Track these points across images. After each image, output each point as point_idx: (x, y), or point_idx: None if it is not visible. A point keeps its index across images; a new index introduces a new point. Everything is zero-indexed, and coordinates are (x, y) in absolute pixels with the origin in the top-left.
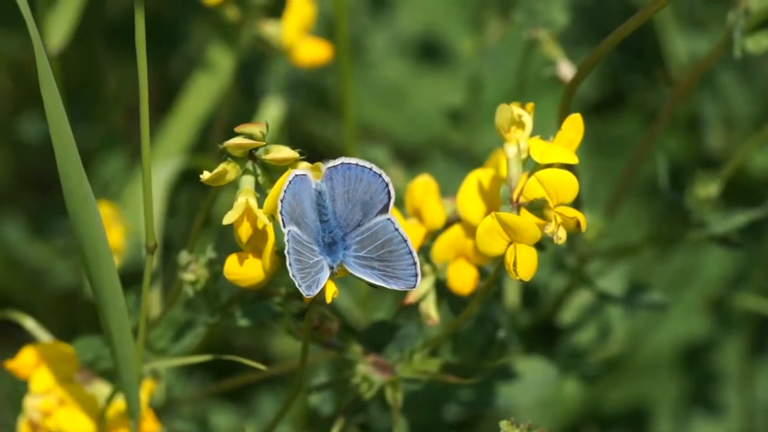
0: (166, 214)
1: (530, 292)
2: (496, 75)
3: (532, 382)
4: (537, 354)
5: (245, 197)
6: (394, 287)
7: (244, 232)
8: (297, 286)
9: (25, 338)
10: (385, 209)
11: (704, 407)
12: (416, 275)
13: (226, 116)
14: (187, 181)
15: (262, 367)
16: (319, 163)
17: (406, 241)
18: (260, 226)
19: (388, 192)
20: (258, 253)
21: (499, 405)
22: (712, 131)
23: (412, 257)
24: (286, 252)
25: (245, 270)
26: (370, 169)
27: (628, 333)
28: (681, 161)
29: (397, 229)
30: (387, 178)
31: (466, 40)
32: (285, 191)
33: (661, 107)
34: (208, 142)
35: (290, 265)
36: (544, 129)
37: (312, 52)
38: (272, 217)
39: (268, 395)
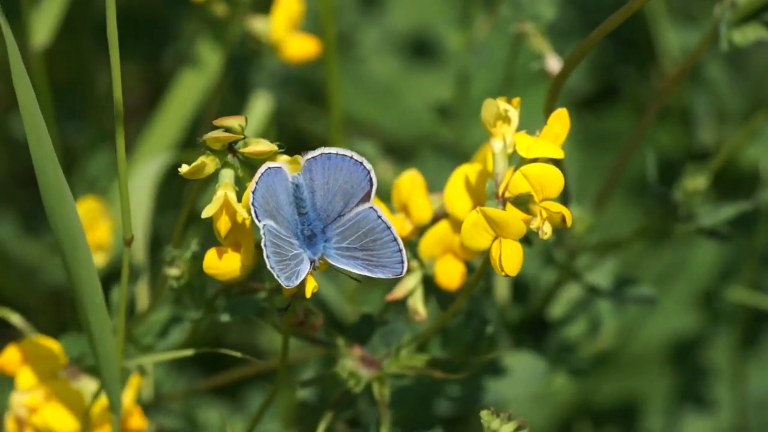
0: (154, 210)
1: (520, 286)
2: (484, 70)
3: (522, 377)
4: (526, 348)
5: (224, 191)
6: (380, 276)
7: (223, 225)
8: (276, 277)
9: (14, 335)
10: (366, 197)
11: (695, 402)
12: (402, 262)
13: (215, 112)
14: (178, 176)
15: (249, 357)
16: (298, 156)
17: (390, 228)
18: (239, 219)
19: (370, 179)
20: (237, 247)
21: (489, 400)
22: (704, 125)
23: (397, 244)
24: (263, 245)
25: (224, 264)
26: (351, 157)
27: (618, 327)
28: (673, 155)
29: (380, 217)
30: (368, 165)
31: (455, 35)
32: (257, 183)
33: (652, 100)
34: (197, 137)
35: (268, 257)
36: (534, 122)
37: (300, 47)
38: None
39: (258, 391)
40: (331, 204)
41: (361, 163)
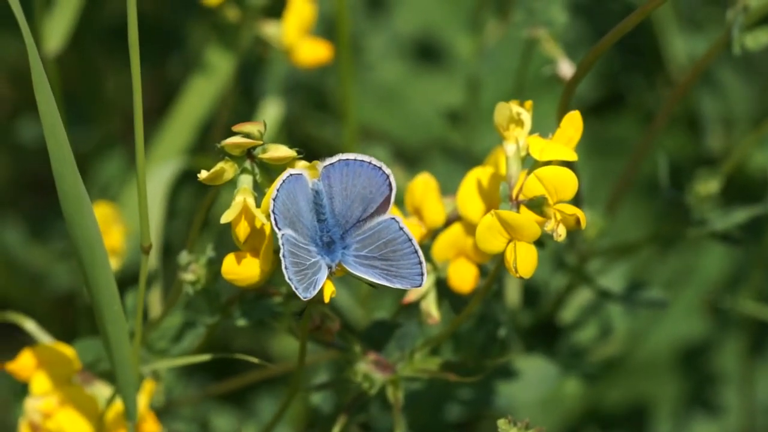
0: (166, 216)
1: (531, 290)
2: (494, 75)
3: (533, 381)
4: (538, 353)
5: (243, 196)
6: (399, 286)
7: (242, 231)
8: (294, 289)
9: (25, 340)
10: (386, 202)
11: (704, 407)
12: (422, 274)
13: (225, 117)
14: (187, 182)
15: (263, 363)
16: (317, 162)
17: (411, 240)
18: (258, 225)
19: (389, 184)
20: (256, 253)
21: (500, 404)
22: (711, 130)
23: (418, 256)
24: (281, 255)
25: (243, 269)
26: (369, 162)
27: (628, 332)
28: (680, 160)
29: (401, 228)
30: (387, 170)
31: (465, 41)
32: (278, 190)
33: (659, 107)
34: (207, 143)
35: (286, 268)
36: (543, 130)
37: (312, 52)
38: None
39: (268, 397)
40: (350, 210)
41: (380, 168)
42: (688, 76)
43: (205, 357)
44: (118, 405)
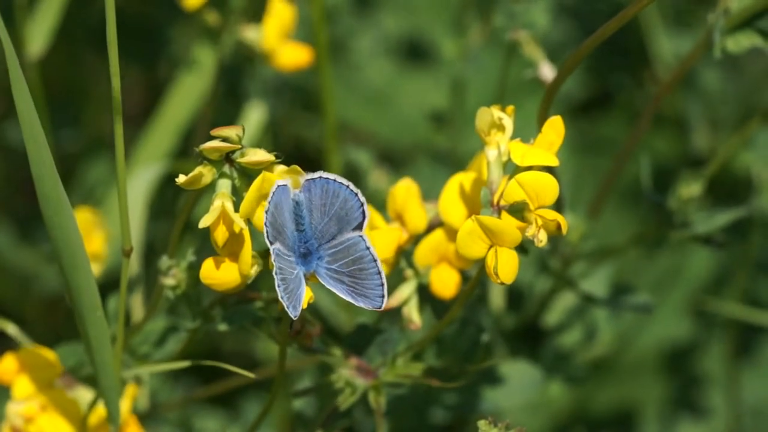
0: (149, 219)
1: (514, 294)
2: (479, 77)
3: (518, 385)
4: (522, 357)
5: (221, 200)
6: (362, 305)
7: (220, 235)
8: (285, 308)
9: (8, 344)
10: (359, 227)
11: (690, 409)
12: (383, 296)
13: (209, 120)
14: (171, 185)
15: (245, 373)
16: (296, 166)
17: (376, 261)
18: (236, 230)
19: (363, 212)
20: (234, 257)
21: (485, 408)
22: (698, 131)
23: (381, 278)
24: (273, 273)
25: (221, 274)
26: (347, 186)
27: (614, 335)
28: (667, 161)
29: (368, 248)
30: (362, 198)
31: (449, 43)
32: (270, 203)
33: (646, 106)
34: (192, 146)
35: (278, 286)
36: (529, 130)
37: (293, 56)
38: (248, 221)
39: (254, 400)
40: (327, 226)
41: (357, 195)
42: (672, 76)
43: (185, 363)
44: (101, 409)
